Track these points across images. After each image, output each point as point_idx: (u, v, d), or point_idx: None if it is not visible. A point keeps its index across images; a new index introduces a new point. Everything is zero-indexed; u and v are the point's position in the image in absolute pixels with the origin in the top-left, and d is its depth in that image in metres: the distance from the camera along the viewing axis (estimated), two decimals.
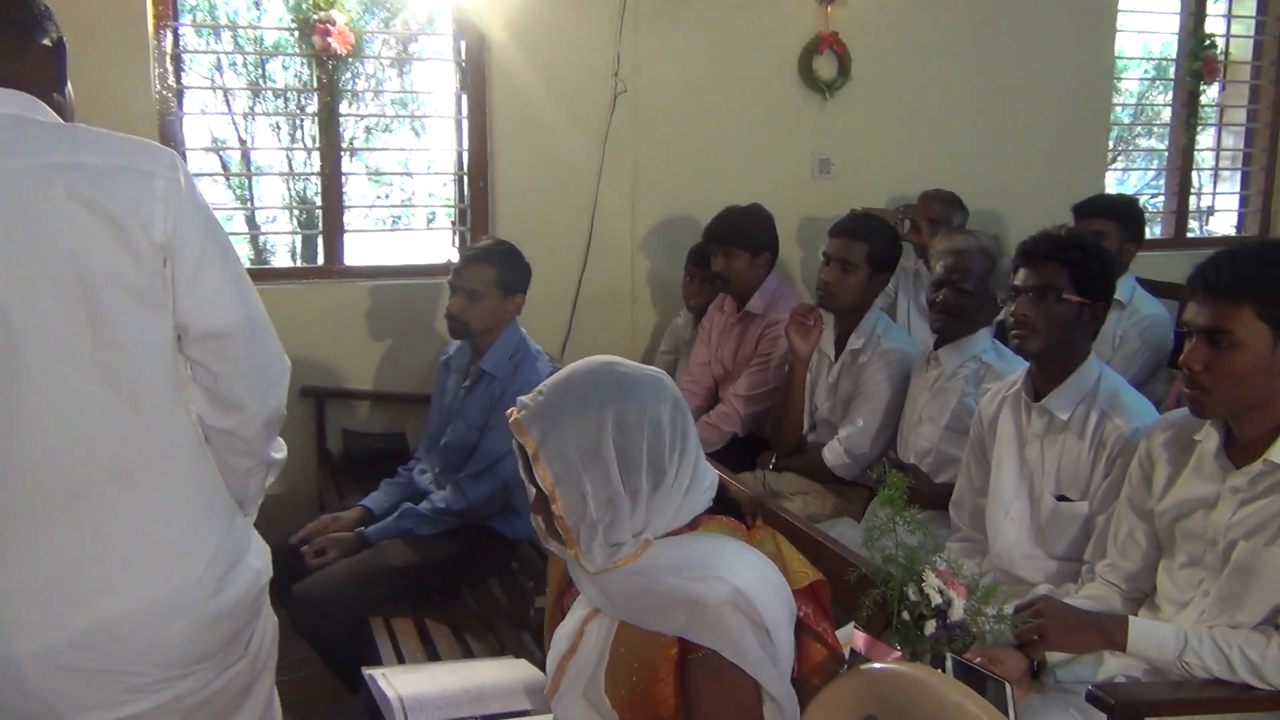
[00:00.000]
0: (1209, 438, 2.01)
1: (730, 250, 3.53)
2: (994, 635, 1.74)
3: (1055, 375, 2.38)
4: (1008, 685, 1.75)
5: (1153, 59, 5.36)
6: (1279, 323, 1.85)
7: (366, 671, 2.18)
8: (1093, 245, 2.35)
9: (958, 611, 1.60)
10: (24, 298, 1.45)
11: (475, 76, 4.01)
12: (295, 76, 4.21)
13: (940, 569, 1.64)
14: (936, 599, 1.59)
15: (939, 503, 2.74)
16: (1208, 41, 5.04)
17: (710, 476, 1.63)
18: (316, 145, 4.02)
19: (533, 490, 1.58)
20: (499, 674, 2.18)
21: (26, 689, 1.48)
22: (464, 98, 4.06)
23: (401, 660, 2.57)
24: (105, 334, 1.49)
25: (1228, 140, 5.53)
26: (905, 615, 1.62)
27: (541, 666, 2.46)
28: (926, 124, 4.60)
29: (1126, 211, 3.65)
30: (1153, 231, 5.32)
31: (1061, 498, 2.36)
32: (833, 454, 3.10)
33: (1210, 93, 5.33)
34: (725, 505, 1.65)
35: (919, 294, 4.16)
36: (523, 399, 1.57)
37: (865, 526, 1.78)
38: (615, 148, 4.15)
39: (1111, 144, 5.61)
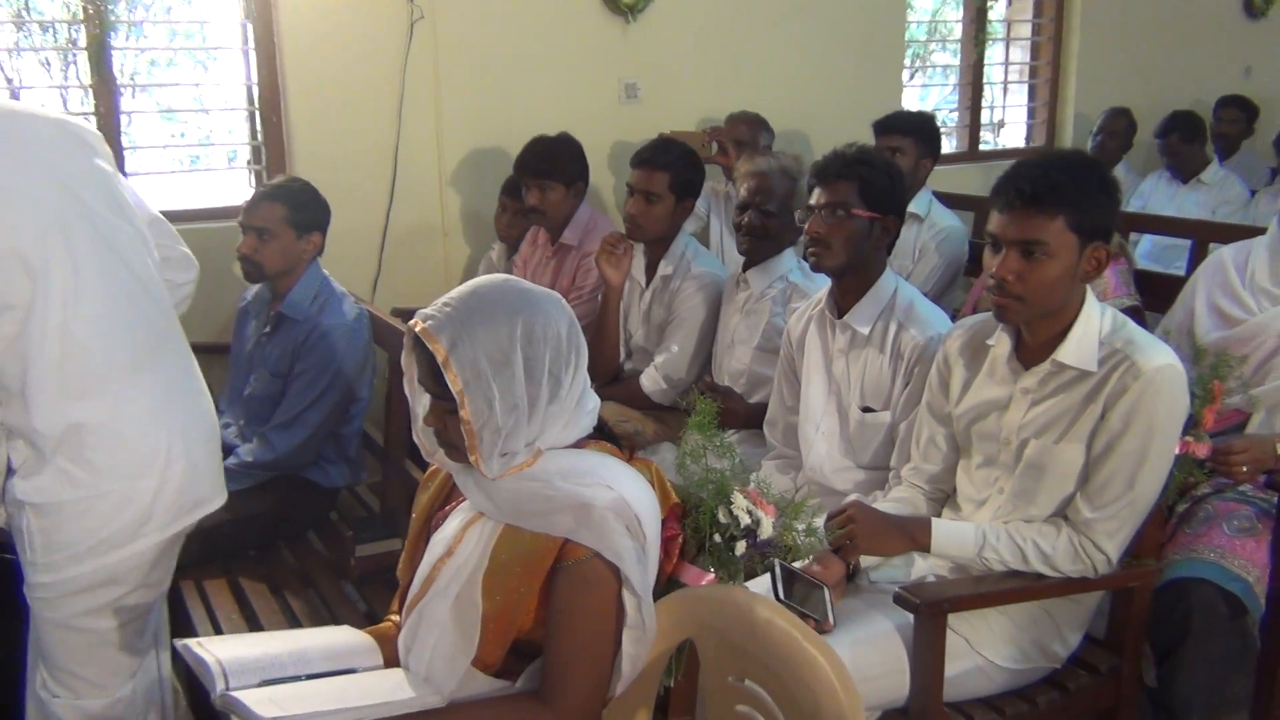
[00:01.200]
0: (1001, 342, 2.10)
1: (544, 183, 3.47)
2: (806, 548, 1.78)
3: (854, 291, 2.44)
4: (826, 589, 1.82)
5: None
6: (1086, 232, 1.93)
7: (180, 642, 2.08)
8: (881, 161, 2.40)
9: (767, 530, 1.64)
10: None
11: (260, 3, 3.78)
12: (64, 7, 3.85)
13: (749, 489, 1.66)
14: (746, 520, 1.62)
15: (754, 422, 2.79)
16: None
17: (594, 400, 1.70)
18: (89, 83, 3.72)
19: (424, 401, 1.63)
20: (322, 638, 2.13)
21: None
22: (249, 26, 3.83)
23: (216, 624, 2.47)
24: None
25: (1015, 54, 5.76)
26: (717, 538, 1.64)
27: (364, 620, 2.43)
28: (731, 46, 4.61)
29: (922, 128, 3.74)
30: (948, 145, 5.51)
31: (867, 409, 2.44)
32: (650, 380, 3.12)
33: (998, 8, 5.53)
34: (604, 435, 1.72)
35: (731, 216, 4.20)
36: (425, 311, 1.59)
37: (677, 453, 1.77)
38: (416, 78, 4.00)
39: (909, 61, 5.76)
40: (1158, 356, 1.93)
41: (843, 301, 2.47)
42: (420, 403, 1.66)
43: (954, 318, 3.72)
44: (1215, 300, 2.63)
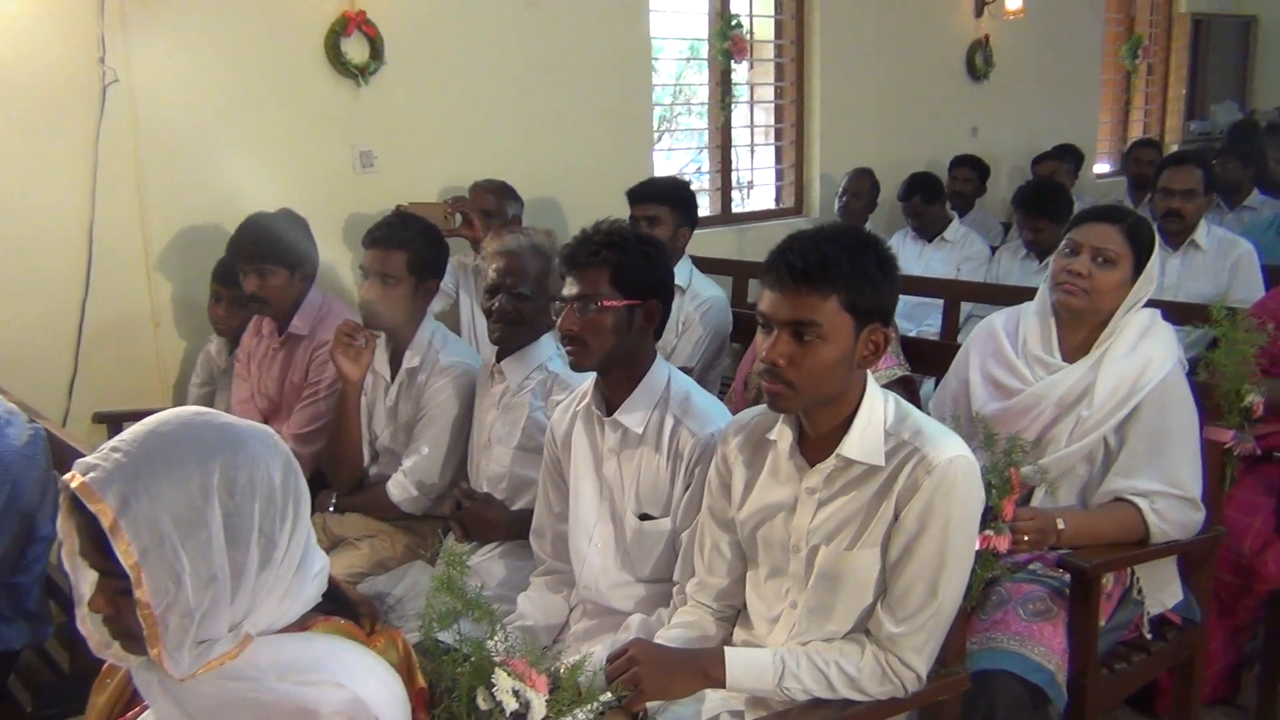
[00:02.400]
0: (782, 436, 1.89)
1: (263, 267, 3.05)
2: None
3: (623, 384, 2.18)
4: None
5: (686, 39, 5.45)
6: (862, 313, 1.75)
7: None
8: (633, 240, 2.15)
9: (539, 712, 1.32)
10: None
11: None
12: None
13: (514, 661, 1.34)
14: (512, 704, 1.30)
15: (519, 533, 2.48)
16: (735, 21, 5.18)
17: (321, 560, 1.33)
18: None
19: (90, 578, 1.26)
20: None
21: None
22: None
23: None
24: None
25: (760, 117, 5.78)
26: None
27: None
28: (473, 110, 4.34)
29: (678, 196, 3.59)
30: (701, 209, 5.43)
31: (644, 516, 2.18)
32: (398, 488, 2.75)
33: (740, 71, 5.53)
34: (337, 606, 1.35)
35: (481, 293, 3.90)
36: (86, 459, 1.22)
37: (424, 617, 1.43)
38: (112, 148, 3.50)
39: (656, 124, 5.68)
40: (948, 448, 1.76)
41: (611, 396, 2.21)
42: (85, 580, 1.26)
43: (723, 390, 3.62)
44: (989, 370, 2.54)
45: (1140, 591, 2.43)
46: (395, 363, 2.86)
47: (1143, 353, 2.35)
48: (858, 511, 1.80)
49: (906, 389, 2.95)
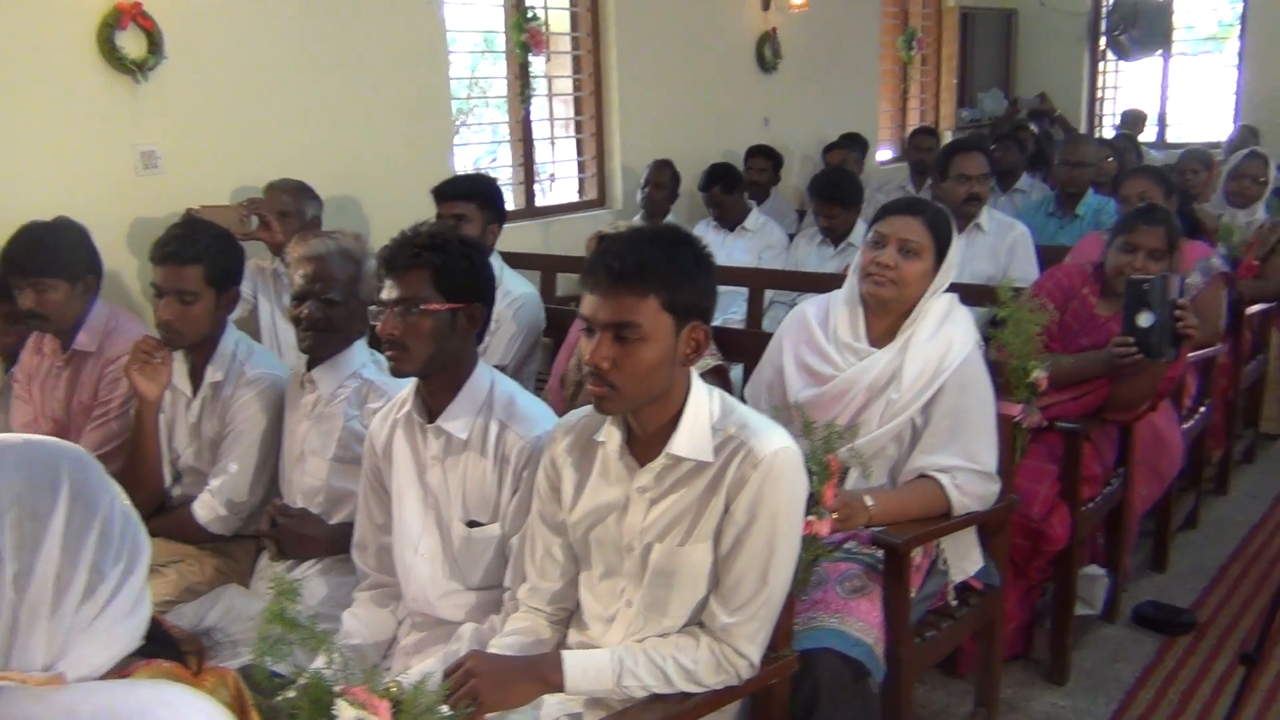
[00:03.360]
0: (611, 438, 1.90)
1: (40, 282, 2.83)
2: None
3: (445, 390, 2.14)
4: None
5: (482, 31, 5.39)
6: (682, 311, 1.78)
7: None
8: (455, 242, 2.12)
9: None
10: None
11: None
12: None
13: (355, 690, 1.30)
14: None
15: (340, 547, 2.40)
16: (530, 14, 5.15)
17: (146, 604, 1.18)
18: None
19: None
20: None
21: None
22: None
23: None
24: None
25: (560, 109, 5.78)
26: None
27: None
28: (264, 106, 4.16)
29: (485, 192, 3.55)
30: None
31: (472, 523, 2.15)
32: (206, 508, 2.62)
33: (539, 63, 5.51)
34: (159, 646, 1.22)
35: (282, 296, 3.75)
36: None
37: (256, 649, 1.36)
38: None
39: (455, 118, 5.60)
40: (773, 440, 1.81)
41: (432, 402, 2.16)
42: None
43: (539, 386, 3.61)
44: (803, 358, 2.62)
45: (945, 562, 2.57)
46: (197, 377, 2.71)
47: (944, 336, 2.48)
48: (689, 507, 1.84)
49: (720, 378, 3.01)
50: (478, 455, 2.13)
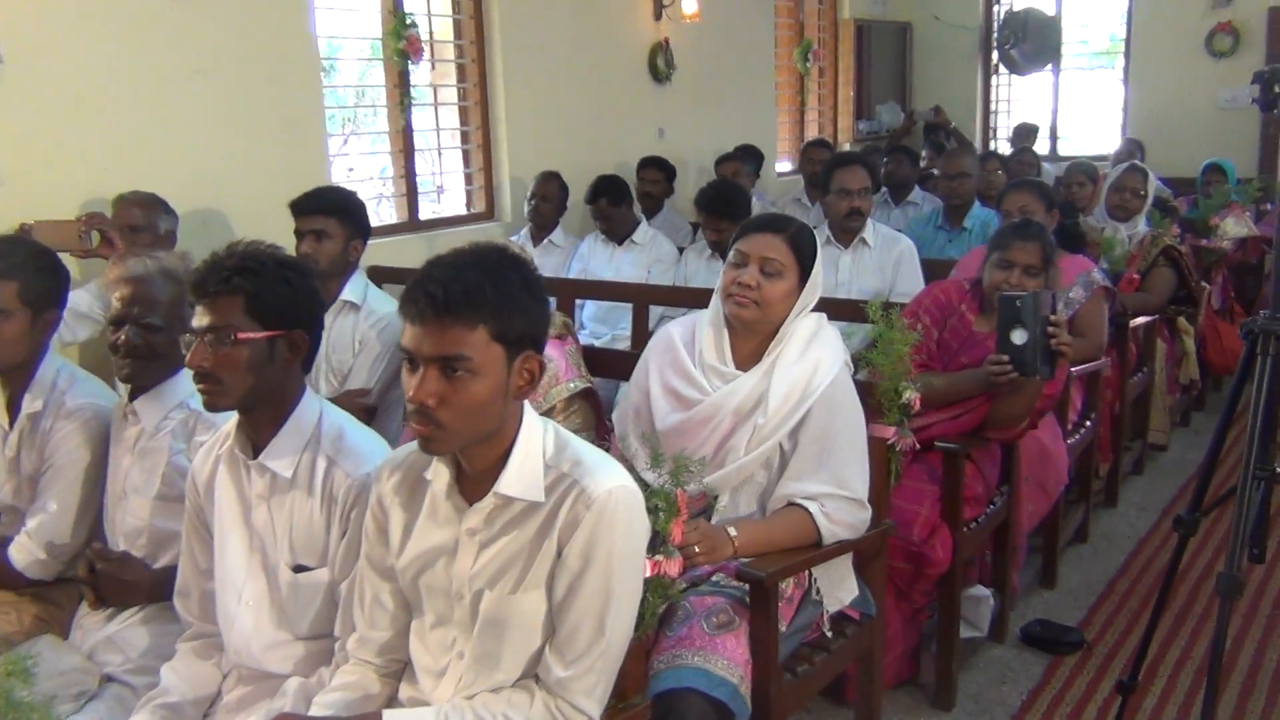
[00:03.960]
0: (438, 475, 1.75)
1: None
2: None
3: (267, 423, 1.97)
4: None
5: (363, 39, 5.19)
6: (511, 340, 1.63)
7: None
8: (272, 264, 1.93)
9: None
10: None
11: None
12: None
13: None
14: None
15: (163, 593, 2.20)
16: (409, 20, 4.97)
17: None
18: None
19: None
20: None
21: None
22: None
23: None
24: None
25: (447, 119, 5.60)
26: None
27: None
28: (115, 116, 3.91)
29: (346, 206, 3.36)
30: (389, 216, 5.21)
31: (299, 567, 1.97)
32: (22, 551, 2.39)
33: (424, 72, 5.34)
34: None
35: None
36: None
37: None
38: None
39: (341, 128, 5.40)
40: (607, 478, 1.68)
41: (256, 437, 1.99)
42: None
43: None
44: (669, 381, 2.51)
45: (819, 592, 2.47)
46: (14, 407, 2.49)
47: (811, 358, 2.39)
48: (520, 551, 1.69)
49: (588, 401, 2.88)
50: (304, 494, 1.96)
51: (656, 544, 1.81)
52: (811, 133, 8.32)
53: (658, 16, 6.41)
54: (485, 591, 1.70)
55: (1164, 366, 4.98)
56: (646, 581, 1.81)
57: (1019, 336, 2.84)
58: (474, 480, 1.72)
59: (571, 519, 1.65)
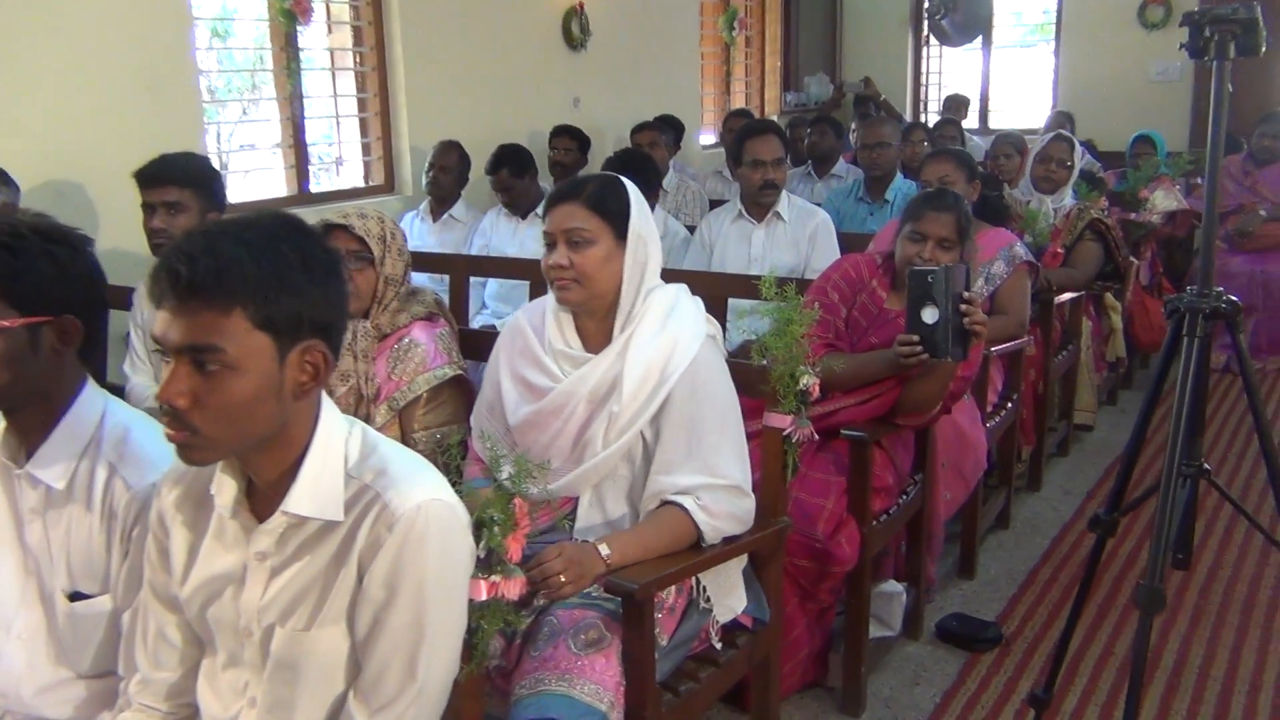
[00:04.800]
0: (222, 489, 1.46)
1: None
2: None
3: (38, 426, 1.67)
4: None
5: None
6: (283, 329, 1.34)
7: None
8: (35, 241, 1.59)
9: None
10: None
11: None
12: None
13: None
14: None
15: None
16: None
17: None
18: None
19: None
20: None
21: None
22: None
23: None
24: None
25: (343, 86, 5.26)
26: None
27: None
28: None
29: (200, 175, 3.02)
30: (280, 189, 4.86)
31: (77, 594, 1.68)
32: None
33: (317, 35, 5.00)
34: None
35: None
36: None
37: None
38: None
39: (222, 95, 5.03)
40: (417, 490, 1.40)
41: (25, 441, 1.69)
42: None
43: None
44: (519, 371, 2.26)
45: (708, 599, 2.23)
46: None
47: (669, 335, 2.15)
48: (316, 579, 1.42)
49: (459, 390, 2.60)
50: (82, 508, 1.66)
51: (492, 563, 1.54)
52: (738, 104, 8.06)
53: None
54: (276, 627, 1.42)
55: (1091, 344, 4.81)
56: (481, 606, 1.55)
57: (930, 315, 2.61)
58: (265, 495, 1.44)
59: (373, 540, 1.38)
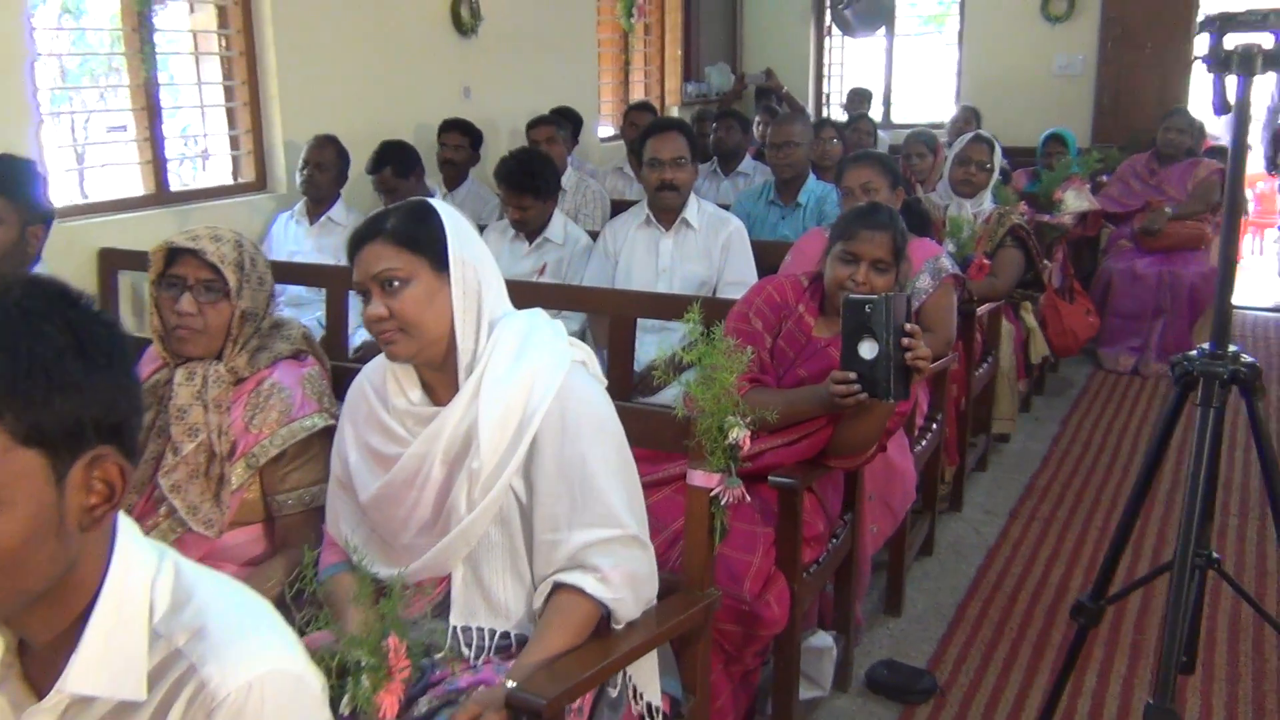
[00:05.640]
0: None
1: None
2: None
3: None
4: None
5: None
6: (57, 439, 0.96)
7: None
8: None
9: None
10: None
11: None
12: None
13: None
14: None
15: None
16: None
17: None
18: None
19: None
20: None
21: None
22: None
23: None
24: None
25: (208, 72, 4.76)
26: None
27: None
28: None
29: (16, 180, 2.59)
30: (136, 188, 4.36)
31: None
32: None
33: (180, 15, 4.50)
34: None
35: None
36: None
37: None
38: None
39: (75, 79, 4.51)
40: (248, 660, 1.03)
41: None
42: None
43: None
44: (366, 440, 1.92)
45: (636, 691, 1.92)
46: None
47: (525, 369, 1.82)
48: None
49: (332, 442, 2.22)
50: None
51: None
52: (637, 94, 7.73)
53: None
54: None
55: (1012, 350, 4.63)
56: None
57: (868, 350, 2.32)
58: (43, 658, 1.06)
59: None
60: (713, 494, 2.01)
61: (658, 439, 2.14)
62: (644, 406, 2.05)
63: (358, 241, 1.85)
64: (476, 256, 1.85)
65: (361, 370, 2.01)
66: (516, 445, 1.78)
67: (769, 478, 2.47)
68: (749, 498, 2.07)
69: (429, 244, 1.81)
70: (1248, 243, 8.21)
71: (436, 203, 1.89)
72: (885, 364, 2.30)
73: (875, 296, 2.31)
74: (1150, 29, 7.56)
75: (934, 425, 3.61)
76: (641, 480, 1.94)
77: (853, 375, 2.33)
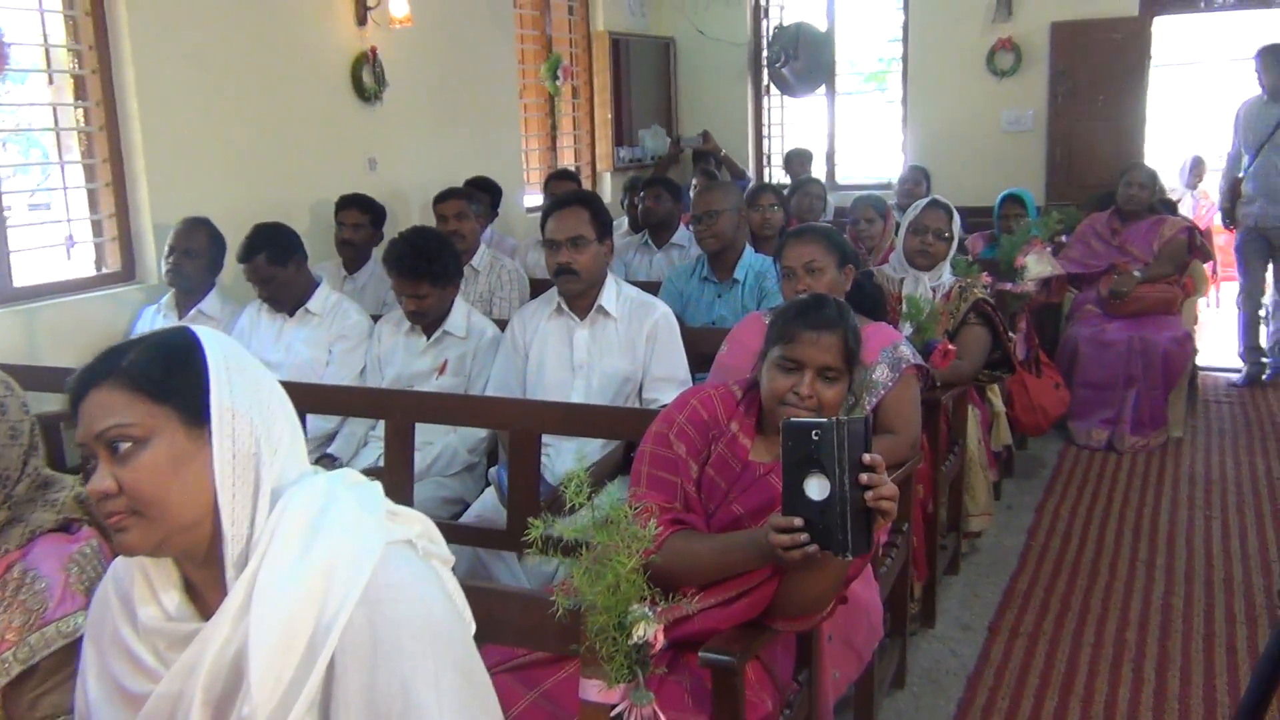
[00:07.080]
0: None
1: None
2: None
3: None
4: None
5: None
6: None
7: None
8: None
9: None
10: None
11: None
12: None
13: None
14: None
15: None
16: None
17: None
18: None
19: None
20: None
21: None
22: None
23: None
24: None
25: (68, 150, 4.21)
26: None
27: None
28: None
29: None
30: None
31: None
32: None
33: (39, 87, 3.96)
34: None
35: None
36: None
37: None
38: None
39: None
40: None
41: None
42: None
43: None
44: (109, 668, 1.36)
45: None
46: None
47: (318, 560, 1.26)
48: None
49: None
50: None
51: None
52: (566, 160, 7.26)
53: (361, 21, 5.16)
54: None
55: (980, 438, 4.14)
56: None
57: (816, 489, 1.78)
58: None
59: None
60: (615, 712, 1.46)
61: (538, 636, 1.59)
62: (510, 589, 1.49)
63: (80, 388, 1.29)
64: (254, 403, 1.30)
65: (109, 567, 1.44)
66: (305, 677, 1.22)
67: (700, 651, 1.92)
68: (677, 679, 1.52)
69: (181, 389, 1.27)
70: (1211, 297, 7.83)
71: (204, 331, 1.34)
72: (839, 508, 1.76)
73: (824, 420, 1.77)
74: (1102, 81, 7.23)
75: (899, 539, 3.09)
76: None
77: (798, 522, 1.79)
